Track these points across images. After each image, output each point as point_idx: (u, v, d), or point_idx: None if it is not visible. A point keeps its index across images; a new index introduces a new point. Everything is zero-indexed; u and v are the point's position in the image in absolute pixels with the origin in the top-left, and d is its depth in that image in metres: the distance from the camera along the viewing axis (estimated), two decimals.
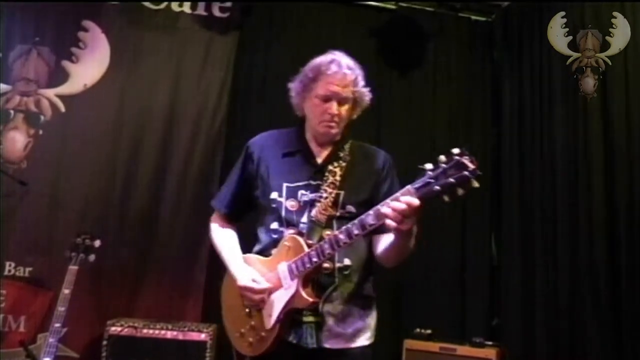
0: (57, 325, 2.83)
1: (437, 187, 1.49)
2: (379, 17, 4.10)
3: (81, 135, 3.66)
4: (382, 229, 1.70)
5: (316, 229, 1.81)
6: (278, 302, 1.80)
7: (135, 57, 3.81)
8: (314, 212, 1.82)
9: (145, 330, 3.18)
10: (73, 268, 2.95)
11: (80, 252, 3.00)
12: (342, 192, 1.85)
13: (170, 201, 3.71)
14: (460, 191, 1.46)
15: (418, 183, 1.54)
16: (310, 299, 1.75)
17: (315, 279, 1.79)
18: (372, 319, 1.90)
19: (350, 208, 1.84)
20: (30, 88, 3.67)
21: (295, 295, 1.76)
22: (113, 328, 3.15)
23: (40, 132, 3.64)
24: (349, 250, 1.80)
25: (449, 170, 1.47)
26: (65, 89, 3.71)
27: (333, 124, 1.88)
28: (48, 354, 2.79)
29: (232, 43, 3.93)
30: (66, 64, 3.72)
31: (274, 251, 1.87)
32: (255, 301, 1.83)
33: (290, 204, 1.86)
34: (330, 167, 1.88)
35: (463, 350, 3.24)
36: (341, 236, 1.70)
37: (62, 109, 3.69)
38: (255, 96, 3.93)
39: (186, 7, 3.92)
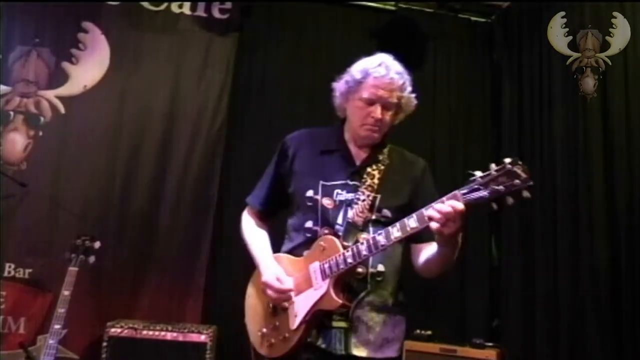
0: (57, 326, 2.83)
1: (486, 194, 1.47)
2: (379, 18, 4.10)
3: (81, 137, 3.67)
4: (422, 237, 1.71)
5: (352, 231, 1.77)
6: (306, 302, 1.75)
7: (135, 58, 3.82)
8: (350, 213, 1.78)
9: (145, 332, 3.18)
10: (73, 269, 2.95)
11: (80, 254, 3.01)
12: (379, 196, 1.81)
13: (170, 202, 3.71)
14: (510, 200, 1.44)
15: (466, 188, 1.52)
16: (340, 301, 1.70)
17: (347, 282, 1.75)
18: (401, 331, 1.86)
19: (387, 212, 1.81)
20: (30, 89, 3.68)
21: (325, 296, 1.71)
22: (113, 329, 3.15)
23: (40, 133, 3.65)
24: (383, 256, 1.77)
25: (500, 178, 1.45)
26: (65, 90, 3.72)
27: (375, 129, 1.85)
28: (48, 355, 2.79)
29: (231, 44, 3.94)
30: (66, 65, 3.73)
31: (306, 252, 1.83)
32: (275, 300, 1.80)
33: (326, 203, 1.82)
34: (368, 170, 1.85)
35: (463, 351, 3.23)
36: (380, 238, 1.66)
37: (62, 110, 3.69)
38: (255, 97, 3.93)
39: (186, 9, 3.93)
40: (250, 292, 1.97)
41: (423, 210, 1.59)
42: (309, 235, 1.83)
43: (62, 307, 2.85)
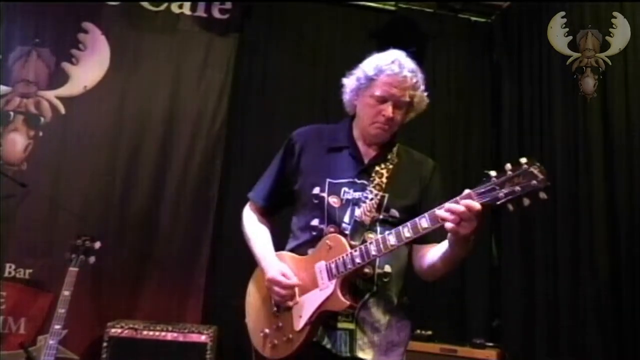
0: (57, 327, 2.83)
1: (502, 195, 1.43)
2: (379, 18, 4.10)
3: (81, 137, 3.67)
4: (428, 238, 1.66)
5: (360, 230, 1.72)
6: (311, 302, 1.70)
7: (135, 58, 3.82)
8: (358, 212, 1.73)
9: (145, 332, 3.18)
10: (73, 270, 2.96)
11: (80, 254, 3.01)
12: (387, 195, 1.77)
13: (170, 202, 3.71)
14: (526, 201, 1.40)
15: (481, 188, 1.47)
16: (347, 302, 1.65)
17: (353, 283, 1.71)
18: (406, 335, 1.82)
19: (395, 212, 1.77)
20: (30, 90, 3.68)
21: (331, 297, 1.67)
22: (113, 330, 3.15)
23: (40, 133, 3.65)
24: (390, 257, 1.73)
25: (516, 178, 1.41)
26: (65, 90, 3.72)
27: (386, 127, 1.80)
28: (48, 355, 2.80)
29: (232, 45, 3.94)
30: (66, 65, 3.73)
31: (311, 250, 1.78)
32: (282, 296, 1.74)
33: (333, 201, 1.77)
34: (377, 168, 1.81)
35: (464, 351, 3.23)
36: (390, 238, 1.61)
37: (62, 110, 3.69)
38: (255, 97, 3.94)
39: (186, 9, 3.93)
40: (252, 290, 1.93)
41: (436, 210, 1.54)
42: (314, 233, 1.79)
43: (62, 308, 2.85)
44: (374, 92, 1.78)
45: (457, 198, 1.50)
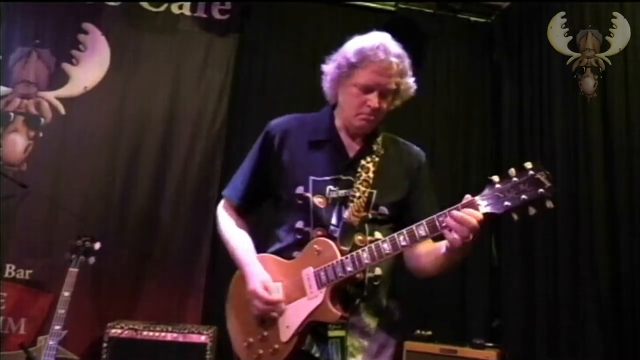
0: (57, 327, 2.83)
1: (507, 203, 1.35)
2: (378, 18, 4.09)
3: (81, 138, 3.67)
4: None
5: (349, 232, 1.62)
6: (299, 312, 1.60)
7: (135, 59, 3.82)
8: (346, 213, 1.62)
9: (145, 333, 3.18)
10: (73, 270, 2.95)
11: (80, 255, 3.01)
12: (374, 192, 1.65)
13: (170, 203, 3.71)
14: (532, 211, 1.32)
15: (485, 196, 1.38)
16: (339, 313, 1.56)
17: (343, 289, 1.61)
18: (396, 336, 1.75)
19: (384, 210, 1.67)
20: (31, 90, 3.68)
21: (321, 307, 1.57)
22: (113, 330, 3.15)
23: (41, 134, 3.65)
24: None
25: (522, 185, 1.33)
26: (66, 91, 3.72)
27: (372, 118, 1.67)
28: (48, 356, 2.80)
29: (231, 45, 3.94)
30: (66, 66, 3.73)
31: (297, 253, 1.66)
32: (261, 311, 1.63)
33: (318, 201, 1.65)
34: (362, 162, 1.68)
35: (464, 351, 3.23)
36: (385, 246, 1.52)
37: (62, 111, 3.69)
38: (255, 98, 3.94)
39: (186, 9, 3.93)
40: (233, 295, 1.79)
41: (435, 217, 1.46)
42: (299, 236, 1.67)
43: (62, 308, 2.85)
44: (358, 81, 1.64)
45: (459, 205, 1.42)
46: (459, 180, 3.99)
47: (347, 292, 1.62)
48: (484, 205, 1.39)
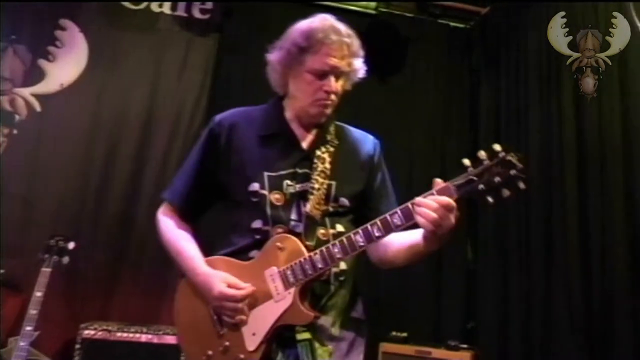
0: (29, 328, 2.79)
1: (482, 186, 1.32)
2: (359, 22, 4.10)
3: (56, 136, 3.62)
4: None
5: (312, 226, 1.54)
6: (266, 317, 1.49)
7: (114, 57, 3.78)
8: (308, 207, 1.53)
9: (119, 334, 3.13)
10: (46, 270, 2.91)
11: (54, 254, 2.97)
12: (333, 183, 1.58)
13: (146, 203, 3.66)
14: (506, 192, 1.31)
15: (459, 180, 1.35)
16: (312, 314, 1.47)
17: (310, 288, 1.51)
18: (364, 331, 1.67)
19: (344, 201, 1.60)
20: (5, 87, 3.62)
21: (291, 309, 1.47)
22: (86, 331, 3.10)
23: (15, 131, 3.59)
24: None
25: (494, 168, 1.31)
26: (41, 88, 3.66)
27: (329, 103, 1.59)
28: (19, 358, 2.75)
29: (212, 45, 3.93)
30: (42, 62, 3.68)
31: (255, 253, 1.56)
32: (235, 311, 1.50)
33: (275, 197, 1.56)
34: (318, 153, 1.60)
35: (438, 353, 3.26)
36: (358, 238, 1.43)
37: (38, 108, 3.64)
38: (234, 99, 3.91)
39: (166, 8, 3.90)
40: (182, 309, 1.64)
41: (409, 205, 1.40)
42: (258, 237, 1.56)
43: (34, 309, 2.81)
44: (313, 66, 1.56)
45: (434, 191, 1.37)
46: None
47: (313, 290, 1.53)
48: (458, 190, 1.36)
